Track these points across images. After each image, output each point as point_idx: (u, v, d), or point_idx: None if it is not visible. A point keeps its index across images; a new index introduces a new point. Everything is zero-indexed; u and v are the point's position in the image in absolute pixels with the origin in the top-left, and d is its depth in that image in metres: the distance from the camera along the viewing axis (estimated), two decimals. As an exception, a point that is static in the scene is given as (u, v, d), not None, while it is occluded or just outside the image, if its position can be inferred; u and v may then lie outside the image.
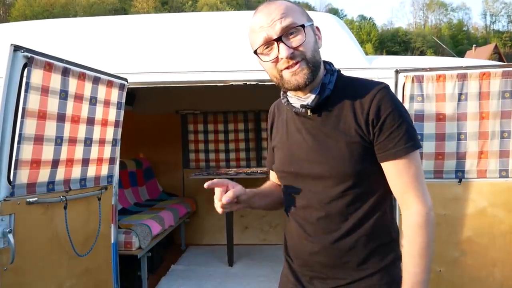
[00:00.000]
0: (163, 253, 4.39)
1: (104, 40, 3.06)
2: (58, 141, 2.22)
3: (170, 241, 4.80)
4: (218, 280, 3.85)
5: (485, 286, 2.45)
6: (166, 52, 3.01)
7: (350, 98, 1.13)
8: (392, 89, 2.52)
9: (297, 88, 1.12)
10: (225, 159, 5.15)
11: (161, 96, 4.56)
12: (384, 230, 1.17)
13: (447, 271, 2.46)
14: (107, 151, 2.61)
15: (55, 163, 2.21)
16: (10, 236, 1.92)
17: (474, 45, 40.94)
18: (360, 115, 1.10)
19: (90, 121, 2.44)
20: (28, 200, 2.07)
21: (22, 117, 1.99)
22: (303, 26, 1.08)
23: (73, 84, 2.27)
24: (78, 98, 2.33)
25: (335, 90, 1.15)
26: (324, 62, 1.19)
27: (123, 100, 2.71)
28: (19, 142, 2.00)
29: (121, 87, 2.66)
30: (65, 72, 2.21)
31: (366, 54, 3.35)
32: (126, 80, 2.71)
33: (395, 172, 1.10)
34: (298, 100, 1.17)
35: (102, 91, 2.50)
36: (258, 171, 4.58)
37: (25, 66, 2.00)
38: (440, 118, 2.48)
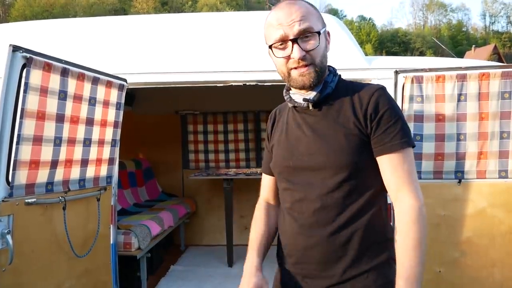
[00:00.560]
0: (162, 253, 4.38)
1: (104, 40, 3.06)
2: (57, 141, 2.21)
3: (170, 242, 4.79)
4: (217, 280, 3.85)
5: (485, 287, 2.44)
6: (165, 53, 3.01)
7: (350, 96, 1.21)
8: (392, 89, 2.52)
9: (302, 88, 1.21)
10: (225, 160, 5.15)
11: (161, 97, 4.56)
12: (379, 227, 1.19)
13: (447, 271, 2.46)
14: (106, 152, 2.61)
15: (54, 164, 2.20)
16: (9, 237, 1.92)
17: (473, 46, 41.02)
18: (359, 109, 1.17)
19: (89, 122, 2.43)
20: (26, 200, 2.06)
21: (21, 117, 1.99)
22: (318, 33, 1.16)
23: (72, 85, 2.27)
24: (77, 98, 2.32)
25: (336, 89, 1.23)
26: (328, 66, 1.26)
27: (123, 101, 2.70)
28: (17, 143, 1.99)
29: (121, 87, 2.66)
30: (64, 73, 2.21)
31: (366, 54, 3.35)
32: (125, 80, 2.70)
33: (390, 167, 1.15)
34: (301, 96, 1.23)
35: (101, 91, 2.49)
36: (258, 172, 4.55)
37: (24, 66, 2.00)
38: (439, 118, 2.48)
